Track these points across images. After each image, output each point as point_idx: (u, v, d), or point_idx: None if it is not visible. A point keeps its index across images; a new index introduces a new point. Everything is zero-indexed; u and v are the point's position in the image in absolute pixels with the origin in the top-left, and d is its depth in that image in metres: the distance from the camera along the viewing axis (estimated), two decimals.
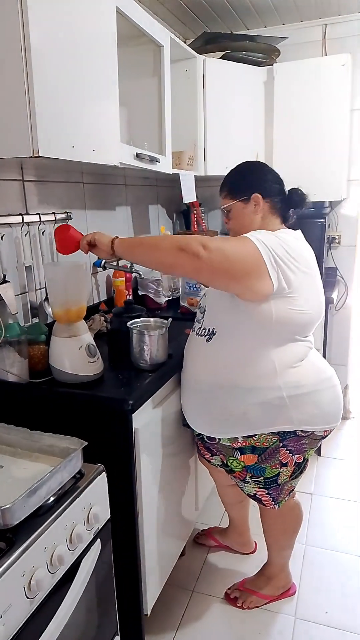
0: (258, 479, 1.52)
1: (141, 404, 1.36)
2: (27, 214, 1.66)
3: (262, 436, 1.44)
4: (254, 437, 1.45)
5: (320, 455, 2.72)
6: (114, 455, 1.33)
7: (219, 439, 1.51)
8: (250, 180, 1.47)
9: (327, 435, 1.52)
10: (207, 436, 1.55)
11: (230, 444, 1.49)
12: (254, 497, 1.60)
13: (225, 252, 1.27)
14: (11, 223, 1.58)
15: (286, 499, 1.59)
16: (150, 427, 1.41)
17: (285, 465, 1.49)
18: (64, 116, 1.29)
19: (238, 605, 1.75)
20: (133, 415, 1.31)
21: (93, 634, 1.22)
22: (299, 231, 1.50)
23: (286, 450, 1.47)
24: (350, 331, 3.04)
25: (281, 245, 1.32)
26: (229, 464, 1.55)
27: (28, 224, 1.65)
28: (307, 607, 1.75)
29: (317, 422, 1.44)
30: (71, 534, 1.06)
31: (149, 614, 1.52)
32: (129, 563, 1.42)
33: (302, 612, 1.73)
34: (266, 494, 1.55)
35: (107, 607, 1.28)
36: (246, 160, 1.58)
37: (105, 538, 1.21)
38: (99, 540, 1.17)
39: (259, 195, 1.44)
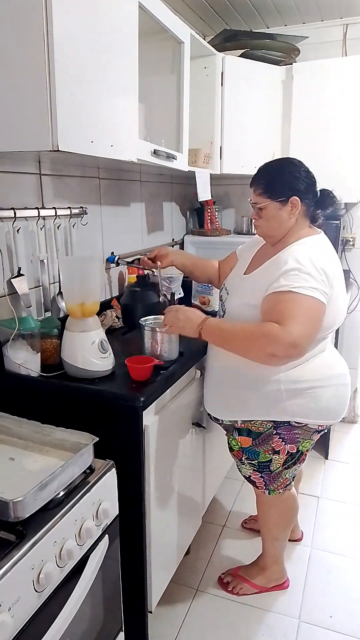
0: (252, 462, 1.59)
1: (152, 402, 1.36)
2: (43, 207, 1.66)
3: (258, 421, 1.51)
4: (250, 421, 1.52)
5: (327, 459, 2.71)
6: (123, 451, 1.33)
7: (222, 419, 1.60)
8: (288, 181, 1.41)
9: (322, 430, 1.54)
10: (213, 416, 1.63)
11: (232, 424, 1.58)
12: (249, 480, 1.66)
13: (307, 332, 1.29)
14: (27, 217, 1.58)
15: (280, 491, 1.63)
16: (161, 425, 1.41)
17: (278, 453, 1.54)
18: (84, 111, 1.29)
19: (229, 589, 1.80)
20: (144, 412, 1.31)
21: (98, 629, 1.22)
22: (323, 234, 1.49)
23: (279, 438, 1.51)
24: None
25: (317, 271, 1.33)
26: (229, 442, 1.64)
27: (44, 217, 1.65)
28: (312, 611, 1.75)
29: (311, 415, 1.47)
30: (80, 529, 1.06)
31: (153, 611, 1.52)
32: (135, 560, 1.42)
33: (307, 615, 1.73)
34: (259, 477, 1.61)
35: (113, 603, 1.29)
36: (279, 158, 1.55)
37: (113, 534, 1.22)
38: (107, 536, 1.18)
39: (298, 199, 1.40)
